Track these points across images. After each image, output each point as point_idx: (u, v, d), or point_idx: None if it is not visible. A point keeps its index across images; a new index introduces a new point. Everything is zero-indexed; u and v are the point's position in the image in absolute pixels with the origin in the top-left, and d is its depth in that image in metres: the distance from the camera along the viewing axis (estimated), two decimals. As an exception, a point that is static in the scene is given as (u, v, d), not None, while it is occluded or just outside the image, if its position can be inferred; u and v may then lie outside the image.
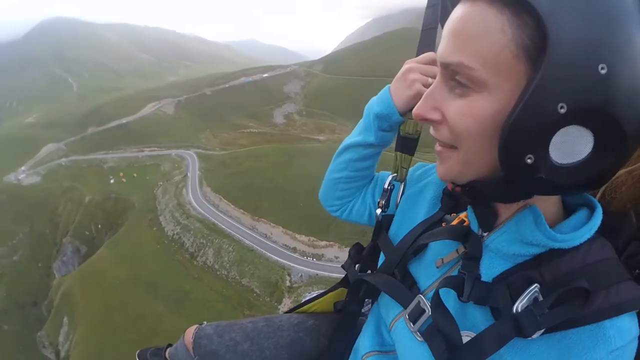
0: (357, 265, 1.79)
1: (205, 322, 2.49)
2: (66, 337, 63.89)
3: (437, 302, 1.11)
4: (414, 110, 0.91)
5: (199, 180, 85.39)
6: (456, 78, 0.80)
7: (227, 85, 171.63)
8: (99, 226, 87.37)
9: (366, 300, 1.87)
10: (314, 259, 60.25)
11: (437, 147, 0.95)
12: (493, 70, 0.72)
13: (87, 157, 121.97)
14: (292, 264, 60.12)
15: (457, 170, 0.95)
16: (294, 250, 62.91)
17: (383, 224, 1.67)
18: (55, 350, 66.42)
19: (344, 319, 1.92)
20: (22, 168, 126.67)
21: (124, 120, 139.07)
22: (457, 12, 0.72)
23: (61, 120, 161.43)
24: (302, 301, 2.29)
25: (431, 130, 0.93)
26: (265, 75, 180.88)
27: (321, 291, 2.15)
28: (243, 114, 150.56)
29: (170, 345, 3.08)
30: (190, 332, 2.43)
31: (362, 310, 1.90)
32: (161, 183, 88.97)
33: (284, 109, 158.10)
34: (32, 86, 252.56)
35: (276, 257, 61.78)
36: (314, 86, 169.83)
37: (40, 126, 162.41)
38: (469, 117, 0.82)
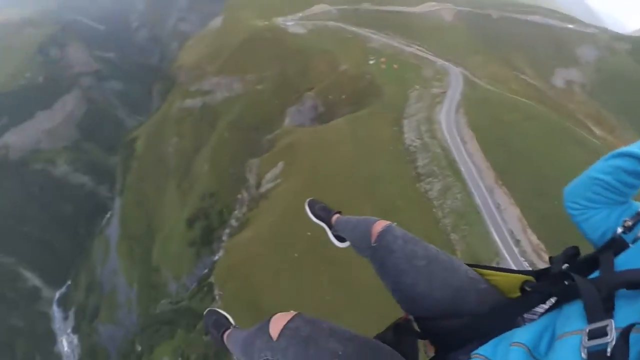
0: (565, 265, 1.80)
1: (395, 223, 2.90)
2: (274, 177, 67.71)
3: (624, 338, 1.09)
4: None
5: (456, 104, 75.77)
6: None
7: (515, 16, 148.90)
8: (343, 97, 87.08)
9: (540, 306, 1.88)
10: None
11: None
12: None
13: (353, 28, 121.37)
14: (507, 256, 49.23)
15: None
16: (517, 243, 51.08)
17: (616, 244, 1.62)
18: (258, 180, 71.54)
19: (521, 301, 1.96)
20: (292, 17, 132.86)
21: (400, 8, 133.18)
22: None
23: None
24: (486, 264, 2.38)
25: None
26: (562, 24, 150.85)
27: (508, 267, 2.18)
28: (523, 55, 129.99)
29: (339, 212, 4.65)
30: (382, 223, 2.90)
31: (534, 309, 1.90)
32: (417, 87, 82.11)
33: (568, 72, 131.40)
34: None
35: (496, 238, 51.45)
36: (612, 65, 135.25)
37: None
38: None
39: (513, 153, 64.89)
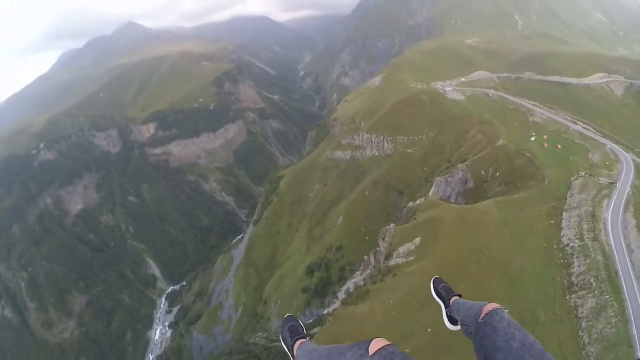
0: None
1: (507, 311, 3.26)
2: (407, 252, 65.90)
3: None
4: None
5: (626, 200, 66.99)
6: None
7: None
8: (497, 174, 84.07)
9: None
10: None
11: None
12: None
13: (515, 99, 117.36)
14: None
15: None
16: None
17: None
18: (389, 251, 69.61)
19: None
20: (450, 82, 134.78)
21: (566, 80, 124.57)
22: None
23: (500, 53, 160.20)
24: None
25: None
26: None
27: None
28: None
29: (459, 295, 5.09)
30: (494, 305, 3.23)
31: None
32: (583, 173, 75.21)
33: None
34: (478, 12, 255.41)
35: None
36: None
37: (479, 51, 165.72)
38: None
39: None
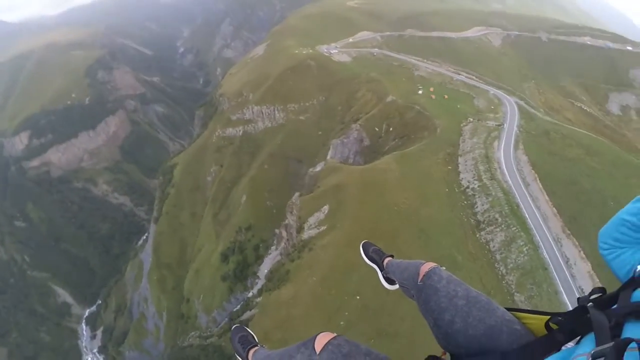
0: (589, 303, 2.01)
1: (444, 268, 3.17)
2: (318, 222, 62.35)
3: (617, 351, 1.35)
4: None
5: (514, 139, 69.77)
6: None
7: (566, 39, 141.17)
8: (390, 129, 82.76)
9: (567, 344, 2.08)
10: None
11: None
12: None
13: (399, 56, 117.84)
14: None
15: None
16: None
17: (635, 282, 1.86)
18: (299, 224, 66.44)
19: (545, 339, 2.18)
20: (335, 44, 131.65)
21: (447, 34, 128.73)
22: None
23: (382, 13, 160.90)
24: (524, 308, 2.64)
25: None
26: (612, 45, 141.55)
27: (543, 310, 2.41)
28: (576, 80, 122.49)
29: (391, 255, 5.12)
30: (430, 264, 3.23)
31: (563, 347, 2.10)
32: (471, 119, 76.59)
33: (622, 97, 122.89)
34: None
35: (566, 299, 44.62)
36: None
37: (361, 12, 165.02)
38: None
39: (580, 196, 58.50)
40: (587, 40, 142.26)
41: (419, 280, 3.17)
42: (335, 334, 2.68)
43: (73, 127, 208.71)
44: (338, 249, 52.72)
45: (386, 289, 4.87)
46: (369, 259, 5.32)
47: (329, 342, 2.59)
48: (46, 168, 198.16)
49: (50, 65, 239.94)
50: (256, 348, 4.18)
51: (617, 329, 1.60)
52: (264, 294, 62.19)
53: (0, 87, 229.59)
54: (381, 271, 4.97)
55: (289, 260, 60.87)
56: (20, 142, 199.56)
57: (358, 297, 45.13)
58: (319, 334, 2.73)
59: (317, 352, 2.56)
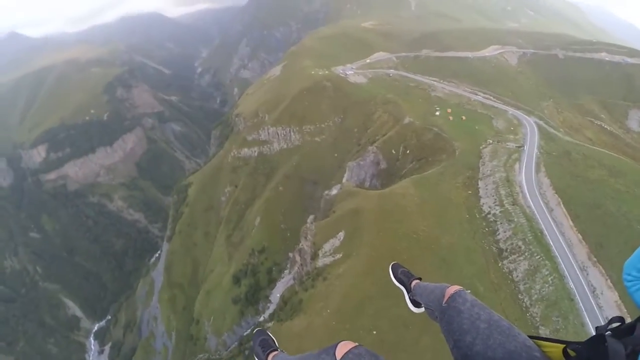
0: (607, 332, 2.02)
1: (469, 291, 3.22)
2: (333, 249, 61.02)
3: None
4: None
5: (535, 161, 68.04)
6: None
7: (582, 55, 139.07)
8: (408, 151, 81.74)
9: None
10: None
11: None
12: None
13: (415, 77, 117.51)
14: None
15: None
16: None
17: None
18: (314, 250, 65.17)
19: None
20: (351, 65, 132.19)
21: (463, 54, 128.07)
22: None
23: (397, 34, 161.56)
24: (544, 336, 2.68)
25: None
26: (630, 61, 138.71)
27: (564, 340, 2.43)
28: (594, 97, 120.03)
29: (419, 278, 5.01)
30: (455, 287, 3.27)
31: None
32: (490, 141, 75.22)
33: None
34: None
35: (592, 332, 42.43)
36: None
37: (376, 33, 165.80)
38: None
39: (605, 220, 56.31)
40: (604, 56, 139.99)
41: (444, 302, 3.19)
42: (356, 344, 2.71)
43: (91, 142, 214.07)
44: (354, 278, 51.32)
45: (411, 311, 4.86)
46: (397, 280, 5.30)
47: (349, 350, 2.62)
48: (63, 181, 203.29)
49: (70, 81, 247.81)
50: (276, 352, 4.32)
51: (632, 356, 1.63)
52: (276, 322, 60.71)
53: (20, 100, 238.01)
54: (408, 293, 4.97)
55: (302, 289, 59.42)
56: (38, 155, 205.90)
57: (375, 332, 43.50)
58: (340, 341, 2.77)
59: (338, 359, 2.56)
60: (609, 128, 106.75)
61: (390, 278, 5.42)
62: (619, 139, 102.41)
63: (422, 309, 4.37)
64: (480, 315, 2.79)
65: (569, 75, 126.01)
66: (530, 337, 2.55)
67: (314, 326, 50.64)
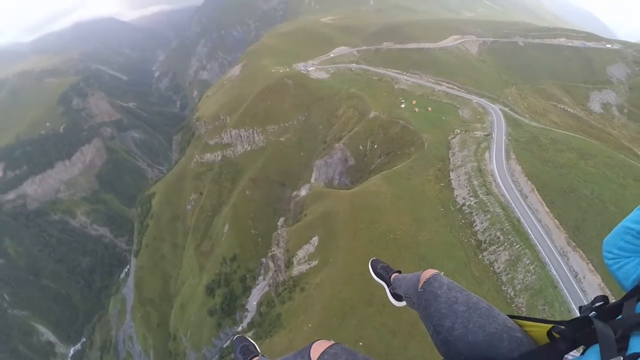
0: (592, 313, 1.96)
1: (442, 273, 3.17)
2: (307, 255, 57.68)
3: None
4: None
5: (505, 148, 66.87)
6: None
7: (542, 42, 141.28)
8: (375, 146, 79.12)
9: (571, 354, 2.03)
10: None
11: None
12: None
13: (378, 70, 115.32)
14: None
15: None
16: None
17: None
18: (288, 257, 61.75)
19: (547, 348, 2.12)
20: (312, 61, 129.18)
21: (424, 45, 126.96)
22: None
23: (357, 27, 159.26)
24: (524, 315, 2.63)
25: None
26: (589, 44, 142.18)
27: (546, 318, 2.37)
28: (556, 82, 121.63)
29: (399, 271, 4.75)
30: (431, 271, 3.21)
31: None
32: (458, 131, 73.58)
33: (602, 95, 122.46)
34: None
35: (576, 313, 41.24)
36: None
37: (335, 28, 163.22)
38: None
39: (580, 203, 55.34)
40: (563, 41, 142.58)
41: (420, 287, 3.10)
42: (332, 342, 2.59)
43: (48, 157, 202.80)
44: (333, 287, 48.27)
45: (396, 307, 4.60)
46: (377, 275, 5.04)
47: (325, 351, 2.52)
48: (22, 201, 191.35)
49: (24, 94, 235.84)
50: (257, 358, 4.10)
51: (622, 341, 1.53)
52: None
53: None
54: (389, 287, 4.74)
55: (279, 301, 55.60)
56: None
57: (361, 344, 40.42)
58: (315, 341, 2.63)
59: None
60: (572, 111, 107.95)
61: (371, 274, 5.14)
62: (583, 121, 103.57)
63: (404, 303, 4.12)
64: (457, 299, 2.69)
65: (530, 62, 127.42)
66: (511, 316, 2.48)
67: (295, 343, 47.11)
